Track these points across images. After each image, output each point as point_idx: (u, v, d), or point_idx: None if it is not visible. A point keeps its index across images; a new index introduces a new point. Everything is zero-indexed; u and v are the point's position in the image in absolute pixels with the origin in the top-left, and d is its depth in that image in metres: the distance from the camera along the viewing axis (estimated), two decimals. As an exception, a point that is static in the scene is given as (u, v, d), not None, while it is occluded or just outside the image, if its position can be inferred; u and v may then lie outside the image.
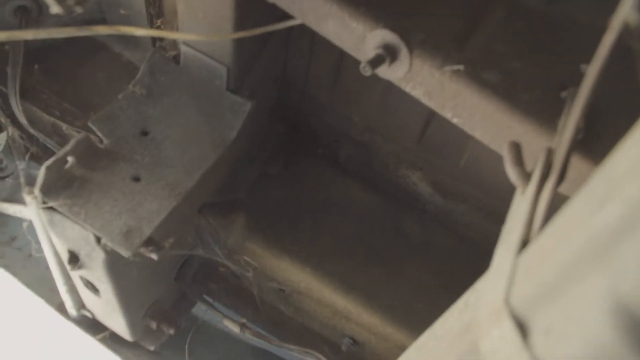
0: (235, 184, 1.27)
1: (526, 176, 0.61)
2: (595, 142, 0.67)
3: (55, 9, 0.57)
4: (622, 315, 0.30)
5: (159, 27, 1.32)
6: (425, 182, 1.35)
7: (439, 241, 1.33)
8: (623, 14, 0.32)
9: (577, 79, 0.74)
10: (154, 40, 1.36)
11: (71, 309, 1.42)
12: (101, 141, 1.02)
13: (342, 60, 1.20)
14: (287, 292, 1.33)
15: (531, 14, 0.84)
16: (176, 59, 1.15)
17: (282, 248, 1.26)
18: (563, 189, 0.72)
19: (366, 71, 0.74)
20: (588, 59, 0.78)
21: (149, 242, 0.91)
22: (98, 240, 0.92)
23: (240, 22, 0.96)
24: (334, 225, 1.31)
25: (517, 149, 0.62)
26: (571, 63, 0.77)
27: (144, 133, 1.04)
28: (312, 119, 1.41)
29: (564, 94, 0.74)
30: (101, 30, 0.74)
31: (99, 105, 1.42)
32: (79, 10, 0.59)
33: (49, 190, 0.93)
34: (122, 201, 0.95)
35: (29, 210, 1.06)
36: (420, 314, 1.22)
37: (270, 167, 1.33)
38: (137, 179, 0.98)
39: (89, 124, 1.04)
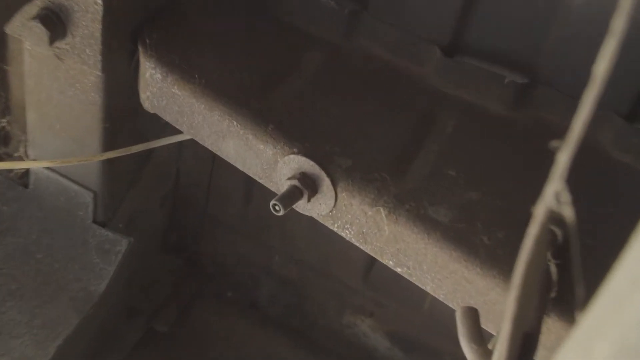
0: (110, 348, 1.29)
1: (486, 355, 0.68)
2: (571, 300, 0.76)
3: None
4: None
5: (3, 129, 1.38)
6: (380, 332, 1.41)
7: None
8: (547, 204, 0.40)
9: (550, 210, 0.85)
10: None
11: None
12: None
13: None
14: None
15: (491, 121, 0.96)
16: (24, 179, 1.20)
17: None
18: (541, 357, 0.81)
19: (277, 210, 0.82)
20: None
21: None
22: None
23: (112, 136, 1.03)
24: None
25: (472, 317, 0.69)
26: (544, 185, 0.88)
27: (-24, 291, 1.07)
28: (217, 248, 1.47)
29: (534, 233, 0.84)
30: None
31: None
32: None
33: None
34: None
35: None
36: None
37: (158, 322, 1.37)
38: (-34, 359, 1.00)
39: None
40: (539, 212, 0.42)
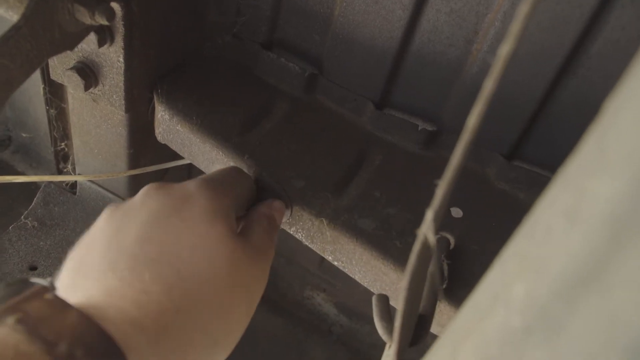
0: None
1: (391, 329, 0.63)
2: (459, 289, 0.71)
3: None
4: None
5: (62, 150, 1.33)
6: (330, 303, 1.36)
7: (344, 364, 1.33)
8: (423, 230, 0.36)
9: (447, 223, 0.81)
10: (57, 160, 1.36)
11: None
12: (-15, 276, 0.99)
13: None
14: None
15: (408, 157, 0.91)
16: (73, 188, 1.15)
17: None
18: (435, 331, 0.76)
19: (248, 218, 0.77)
20: (458, 202, 0.85)
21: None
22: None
23: (135, 159, 0.98)
24: (237, 353, 1.28)
25: (383, 302, 0.65)
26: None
27: (33, 268, 1.01)
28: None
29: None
30: (-23, 181, 0.74)
31: (-6, 229, 1.38)
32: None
33: None
34: None
35: None
36: None
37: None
38: (19, 320, 0.94)
39: (-27, 259, 1.00)
40: (420, 233, 0.38)
